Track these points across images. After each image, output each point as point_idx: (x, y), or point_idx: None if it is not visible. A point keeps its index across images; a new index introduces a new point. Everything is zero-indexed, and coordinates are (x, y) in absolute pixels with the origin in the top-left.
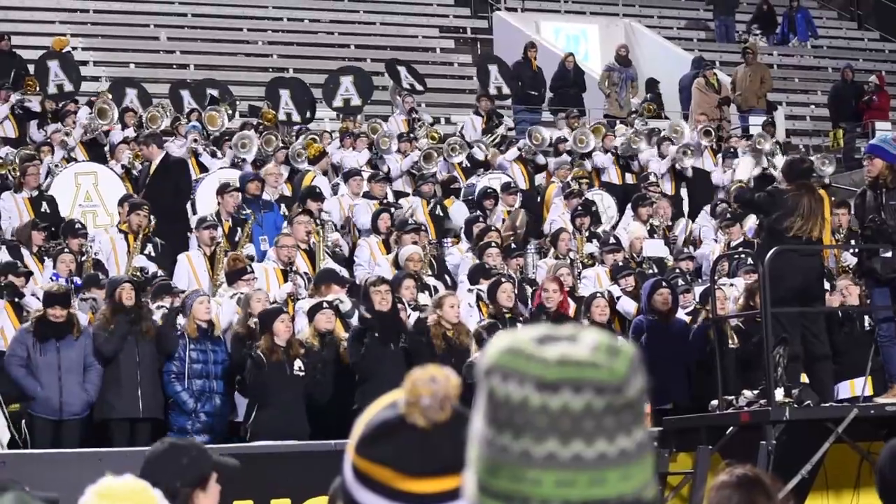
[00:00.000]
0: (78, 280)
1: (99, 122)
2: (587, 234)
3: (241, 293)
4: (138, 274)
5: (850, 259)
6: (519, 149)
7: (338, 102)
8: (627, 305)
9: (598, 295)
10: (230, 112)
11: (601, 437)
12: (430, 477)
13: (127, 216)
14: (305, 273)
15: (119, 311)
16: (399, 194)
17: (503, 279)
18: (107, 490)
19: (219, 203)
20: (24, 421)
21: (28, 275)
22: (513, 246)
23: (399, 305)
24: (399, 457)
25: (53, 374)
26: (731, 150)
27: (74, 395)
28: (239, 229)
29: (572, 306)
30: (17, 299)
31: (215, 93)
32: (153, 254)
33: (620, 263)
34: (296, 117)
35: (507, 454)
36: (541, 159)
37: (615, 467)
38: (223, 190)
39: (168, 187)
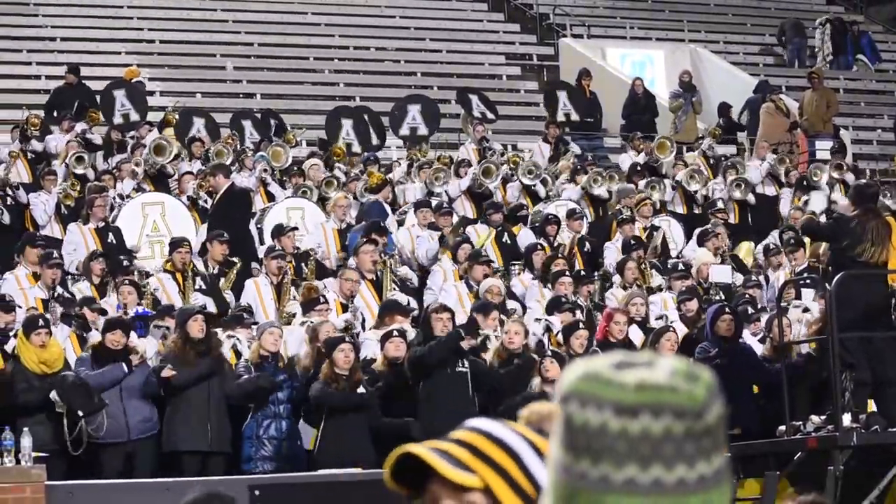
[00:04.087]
0: (144, 309)
1: (156, 158)
2: (648, 264)
3: (311, 322)
4: None
5: None
6: (582, 187)
7: (404, 131)
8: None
9: (670, 329)
10: (293, 144)
11: (681, 463)
12: None
13: (169, 255)
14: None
15: (189, 341)
16: (466, 221)
17: (581, 324)
18: None
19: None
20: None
21: (102, 312)
22: (582, 273)
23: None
24: None
25: (115, 398)
26: (803, 180)
27: (140, 416)
28: (303, 265)
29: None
30: (84, 333)
31: (278, 122)
32: (204, 286)
33: (685, 289)
34: (356, 147)
35: (586, 481)
36: (603, 193)
37: (694, 493)
38: (280, 232)
39: (234, 217)
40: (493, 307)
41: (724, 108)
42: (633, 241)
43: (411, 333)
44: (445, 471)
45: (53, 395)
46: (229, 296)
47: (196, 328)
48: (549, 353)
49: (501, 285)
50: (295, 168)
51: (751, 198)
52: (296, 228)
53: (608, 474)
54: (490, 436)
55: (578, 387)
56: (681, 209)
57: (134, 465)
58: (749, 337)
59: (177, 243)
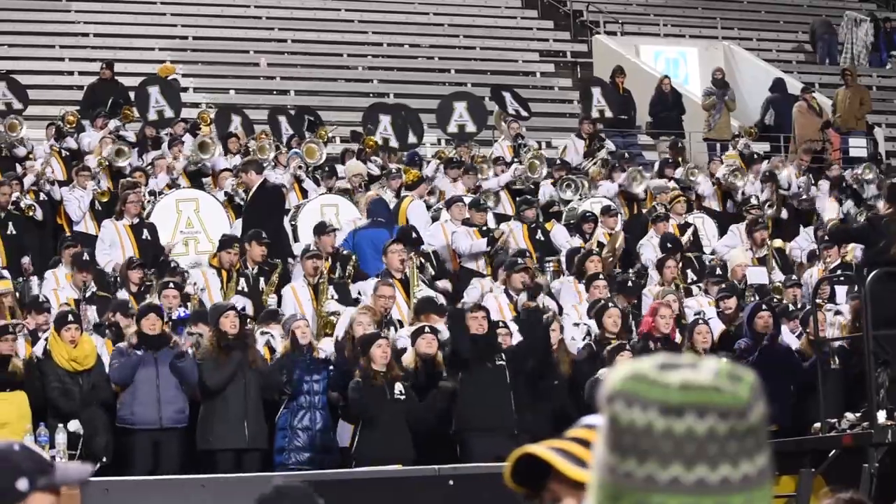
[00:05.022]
0: (185, 311)
1: (200, 156)
2: (680, 265)
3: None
4: None
5: None
6: (620, 184)
7: (452, 128)
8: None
9: (701, 321)
10: (327, 140)
11: (725, 462)
12: None
13: (217, 252)
14: (399, 321)
15: (223, 339)
16: (501, 217)
17: (610, 304)
18: None
19: (316, 243)
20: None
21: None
22: (616, 271)
23: (502, 329)
24: None
25: (152, 386)
26: (841, 181)
27: (174, 406)
28: (338, 264)
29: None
30: (119, 341)
31: (312, 118)
32: (245, 289)
33: (724, 287)
34: (393, 143)
35: (631, 480)
36: (640, 193)
37: (738, 493)
38: (321, 230)
39: (267, 214)
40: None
41: (767, 106)
42: (669, 244)
43: (445, 332)
44: (566, 468)
45: (75, 425)
46: (273, 300)
47: (228, 324)
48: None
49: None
50: (326, 168)
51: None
52: (337, 229)
53: (653, 474)
54: None
55: (624, 387)
56: (716, 206)
57: (160, 456)
58: (787, 334)
59: (227, 242)
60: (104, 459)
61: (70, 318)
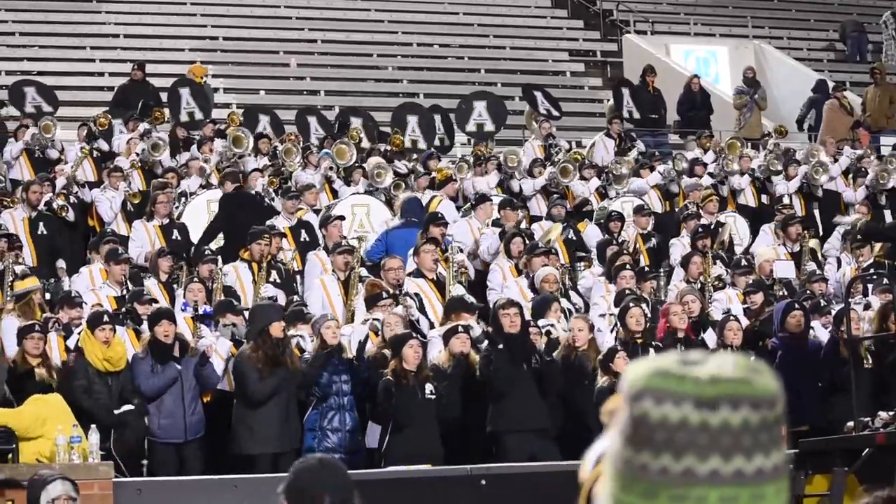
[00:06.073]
0: (207, 308)
1: (234, 150)
2: (711, 255)
3: (375, 318)
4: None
5: None
6: (661, 173)
7: (471, 127)
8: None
9: (732, 318)
10: (358, 141)
11: (759, 453)
12: None
13: (248, 245)
14: (416, 294)
15: (267, 344)
16: (534, 219)
17: (632, 303)
18: None
19: (323, 235)
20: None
21: (152, 303)
22: (646, 269)
23: (538, 335)
24: None
25: (178, 399)
26: (863, 169)
27: (197, 416)
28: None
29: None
30: (137, 327)
31: (344, 120)
32: (278, 280)
33: (752, 282)
34: (422, 144)
35: (668, 475)
36: (674, 187)
37: (770, 482)
38: (325, 222)
39: (240, 220)
40: (552, 301)
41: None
42: (700, 229)
43: (476, 330)
44: None
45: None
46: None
47: (277, 328)
48: (608, 349)
49: (557, 273)
50: (358, 167)
51: (819, 190)
52: (342, 217)
53: (692, 467)
54: None
55: (651, 384)
56: (752, 202)
57: (183, 465)
58: (821, 330)
59: (257, 234)
60: (144, 462)
61: (105, 318)
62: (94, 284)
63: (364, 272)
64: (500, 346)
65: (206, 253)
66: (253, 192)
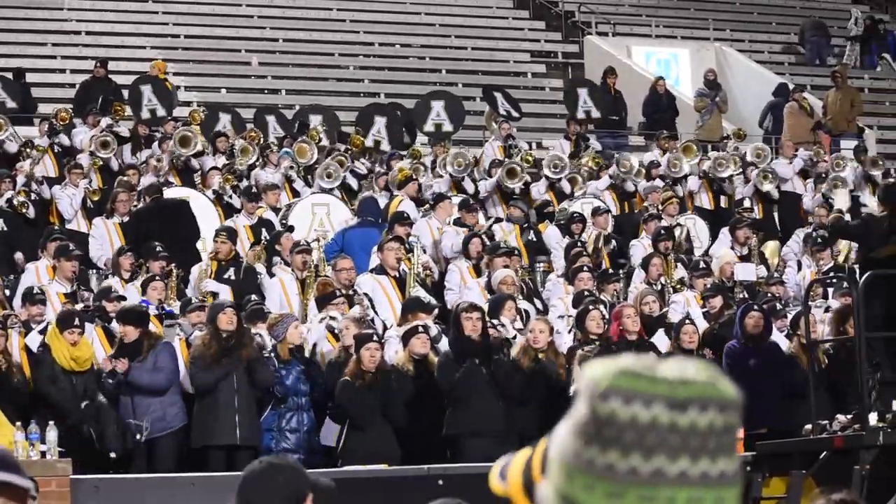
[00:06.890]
0: (168, 307)
1: (181, 150)
2: (672, 257)
3: (331, 316)
4: (209, 298)
5: None
6: (610, 176)
7: (429, 127)
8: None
9: (688, 322)
10: (318, 140)
11: (722, 456)
12: None
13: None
14: (366, 294)
15: (218, 335)
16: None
17: (591, 305)
18: None
19: (277, 250)
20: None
21: (121, 300)
22: (609, 271)
23: (493, 331)
24: None
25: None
26: (822, 175)
27: (174, 407)
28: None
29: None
30: (107, 324)
31: (303, 119)
32: (233, 277)
33: (709, 286)
34: (385, 146)
35: (637, 476)
36: (629, 186)
37: (730, 486)
38: (276, 238)
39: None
40: (507, 299)
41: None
42: (662, 231)
43: (433, 330)
44: None
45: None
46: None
47: (225, 321)
48: (591, 347)
49: (515, 276)
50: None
51: (774, 192)
52: (291, 229)
53: (662, 467)
54: None
55: (619, 383)
56: (708, 204)
57: (154, 460)
58: (776, 334)
59: (217, 233)
60: (112, 455)
61: (76, 321)
62: (40, 281)
63: (330, 272)
64: (460, 350)
65: (157, 249)
66: (209, 191)
